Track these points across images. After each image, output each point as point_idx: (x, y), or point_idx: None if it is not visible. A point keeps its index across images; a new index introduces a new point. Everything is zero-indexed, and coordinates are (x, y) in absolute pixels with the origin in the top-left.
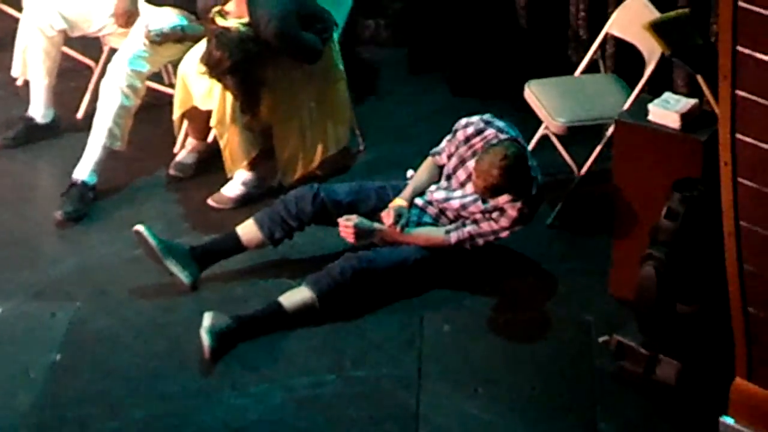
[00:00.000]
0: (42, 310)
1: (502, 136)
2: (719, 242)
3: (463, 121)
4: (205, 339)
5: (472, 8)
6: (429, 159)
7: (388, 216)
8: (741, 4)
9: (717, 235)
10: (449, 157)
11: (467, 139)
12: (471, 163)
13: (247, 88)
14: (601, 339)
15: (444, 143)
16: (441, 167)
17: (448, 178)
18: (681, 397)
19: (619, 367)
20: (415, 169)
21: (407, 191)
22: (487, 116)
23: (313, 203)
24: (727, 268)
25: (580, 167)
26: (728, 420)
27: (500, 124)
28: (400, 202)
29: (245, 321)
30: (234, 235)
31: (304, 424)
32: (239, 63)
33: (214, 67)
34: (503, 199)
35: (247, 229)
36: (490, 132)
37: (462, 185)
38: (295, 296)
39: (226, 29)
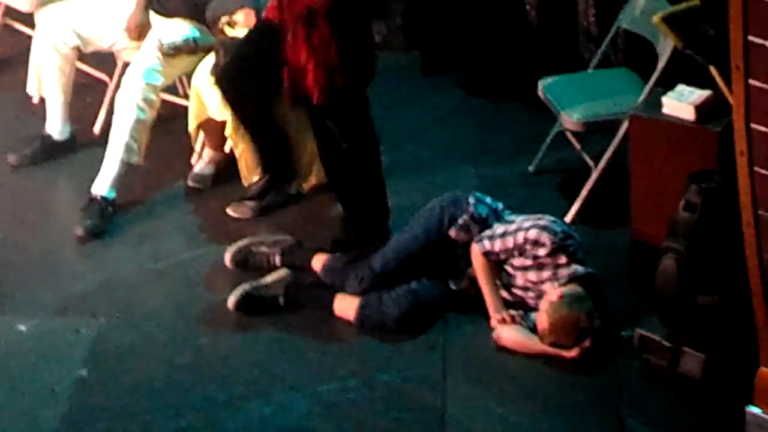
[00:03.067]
0: (66, 327)
1: (577, 269)
2: (738, 232)
3: (533, 234)
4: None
5: (482, 7)
6: (484, 260)
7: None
8: None
9: (736, 225)
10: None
11: (536, 257)
12: (532, 275)
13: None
14: (624, 333)
15: (498, 244)
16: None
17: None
18: (706, 388)
19: (643, 361)
20: None
21: (494, 305)
22: (558, 235)
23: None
24: (747, 258)
25: (597, 163)
26: (754, 409)
27: (571, 245)
28: (499, 316)
29: (298, 287)
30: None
31: (331, 430)
32: None
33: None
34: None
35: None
36: (562, 261)
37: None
38: (346, 305)
39: (235, 39)
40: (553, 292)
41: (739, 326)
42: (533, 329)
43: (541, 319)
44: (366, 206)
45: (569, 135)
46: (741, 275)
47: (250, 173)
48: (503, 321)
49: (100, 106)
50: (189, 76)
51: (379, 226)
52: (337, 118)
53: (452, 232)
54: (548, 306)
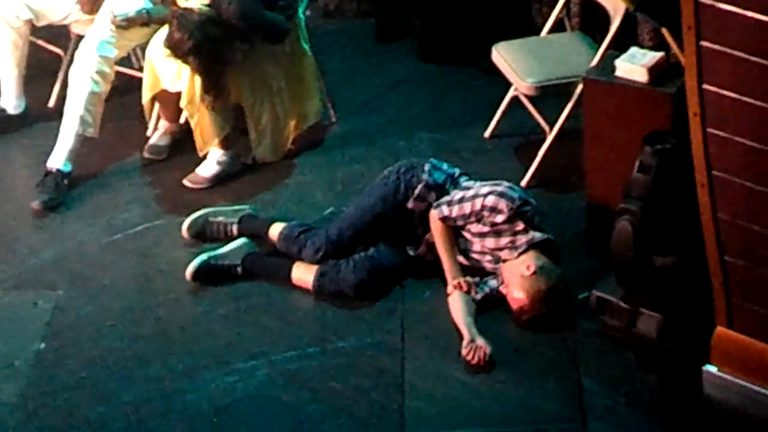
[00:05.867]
0: (24, 301)
1: (534, 236)
2: (693, 193)
3: (490, 201)
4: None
5: None
6: (442, 226)
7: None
8: None
9: (691, 186)
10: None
11: (494, 224)
12: (490, 241)
13: (210, 69)
14: (581, 296)
15: (455, 210)
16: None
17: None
18: (663, 349)
19: (600, 323)
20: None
21: (451, 271)
22: (516, 202)
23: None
24: (702, 218)
25: (552, 127)
26: (711, 368)
27: (528, 211)
28: (456, 282)
29: (255, 256)
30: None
31: (291, 399)
32: (200, 44)
33: (175, 48)
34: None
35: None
36: (519, 227)
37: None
38: (303, 273)
39: (188, 10)
40: (519, 267)
41: (695, 286)
42: (490, 295)
43: (518, 297)
44: None
45: (524, 99)
46: (696, 236)
47: (206, 144)
48: (459, 287)
49: (54, 80)
50: (143, 49)
51: None
52: None
53: (410, 204)
54: (522, 282)
